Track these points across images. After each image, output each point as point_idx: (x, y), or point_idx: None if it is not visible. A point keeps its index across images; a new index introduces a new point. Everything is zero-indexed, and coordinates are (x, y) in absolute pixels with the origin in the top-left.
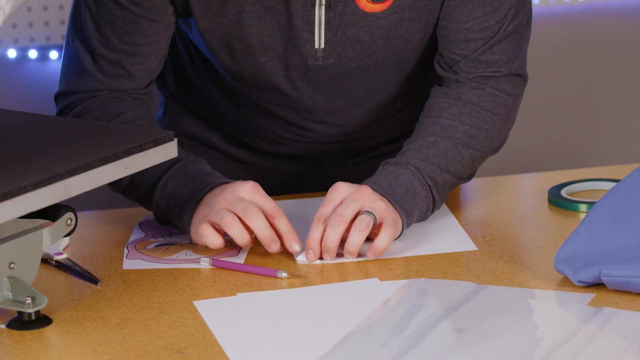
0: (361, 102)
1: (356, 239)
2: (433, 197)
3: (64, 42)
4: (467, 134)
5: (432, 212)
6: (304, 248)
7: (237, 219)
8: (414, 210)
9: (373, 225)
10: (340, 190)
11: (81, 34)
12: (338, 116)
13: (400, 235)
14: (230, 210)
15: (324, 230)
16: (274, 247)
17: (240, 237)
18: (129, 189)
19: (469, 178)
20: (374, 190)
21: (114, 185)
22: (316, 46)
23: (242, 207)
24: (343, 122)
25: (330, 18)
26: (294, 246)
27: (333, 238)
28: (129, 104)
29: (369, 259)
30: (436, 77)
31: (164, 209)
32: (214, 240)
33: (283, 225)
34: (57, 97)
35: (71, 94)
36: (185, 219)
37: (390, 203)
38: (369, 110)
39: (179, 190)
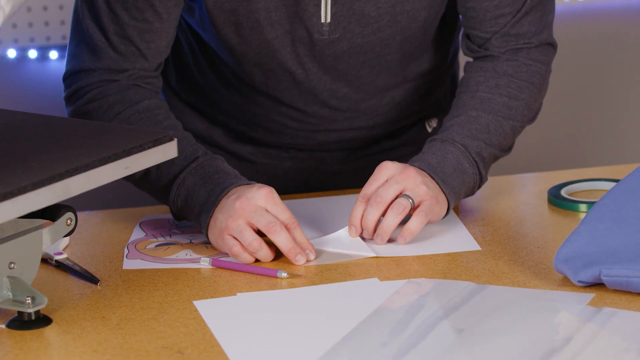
0: (365, 85)
1: (391, 220)
2: (480, 173)
3: (70, 23)
4: (506, 106)
5: (479, 187)
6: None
7: (263, 243)
8: (462, 188)
9: (411, 209)
10: (386, 170)
11: (92, 12)
12: (342, 100)
13: (447, 214)
14: (251, 227)
15: (366, 209)
16: (301, 260)
17: (267, 259)
18: (142, 181)
19: (510, 150)
20: (422, 169)
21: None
22: (322, 20)
23: (264, 222)
24: (346, 106)
25: None
26: (309, 255)
27: (372, 218)
28: (146, 92)
29: (374, 257)
30: (437, 74)
31: (181, 207)
32: (246, 259)
33: (298, 237)
34: (67, 76)
35: (83, 71)
36: (202, 223)
37: (438, 183)
38: (372, 95)
39: (196, 191)
